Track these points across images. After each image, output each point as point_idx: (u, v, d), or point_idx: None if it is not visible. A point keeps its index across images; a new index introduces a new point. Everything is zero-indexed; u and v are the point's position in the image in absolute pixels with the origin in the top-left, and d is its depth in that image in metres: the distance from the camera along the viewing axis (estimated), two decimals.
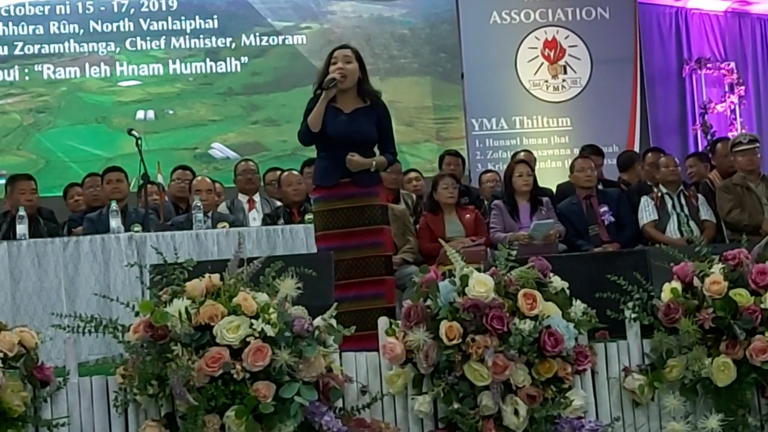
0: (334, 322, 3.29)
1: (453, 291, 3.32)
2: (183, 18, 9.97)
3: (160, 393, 3.13)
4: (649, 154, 8.11)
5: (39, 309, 5.77)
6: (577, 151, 8.79)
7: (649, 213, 7.16)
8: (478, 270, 3.39)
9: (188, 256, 3.56)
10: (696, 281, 3.51)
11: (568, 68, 10.57)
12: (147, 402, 3.20)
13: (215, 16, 10.02)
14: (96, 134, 9.74)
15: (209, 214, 6.86)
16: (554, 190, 8.01)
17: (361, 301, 4.84)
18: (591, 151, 8.18)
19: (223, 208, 7.45)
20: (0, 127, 9.64)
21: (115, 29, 9.82)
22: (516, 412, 3.25)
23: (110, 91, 9.84)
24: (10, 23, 9.67)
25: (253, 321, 3.12)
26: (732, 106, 10.89)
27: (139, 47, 9.89)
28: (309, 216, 6.50)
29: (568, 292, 3.46)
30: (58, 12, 9.74)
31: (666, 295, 3.51)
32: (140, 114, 9.82)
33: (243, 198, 7.68)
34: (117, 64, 9.84)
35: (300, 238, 6.29)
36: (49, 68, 9.72)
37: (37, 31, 9.70)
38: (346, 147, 5.00)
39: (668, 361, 3.47)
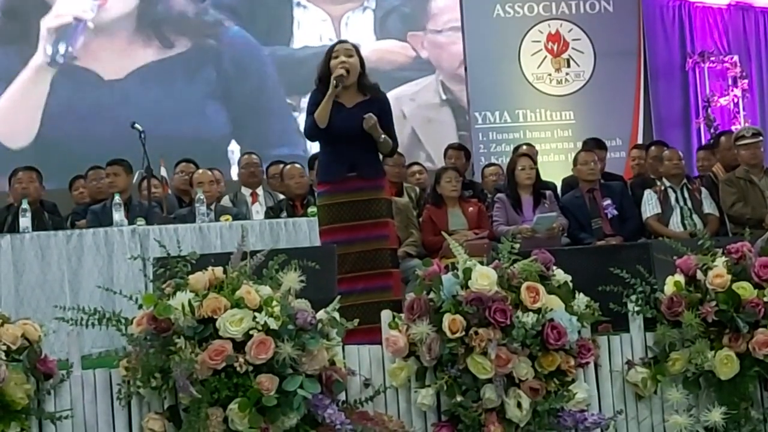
0: (336, 315, 3.29)
1: (456, 284, 3.31)
2: None
3: (164, 386, 3.12)
4: (653, 148, 8.10)
5: (42, 302, 5.78)
6: (580, 145, 8.77)
7: (652, 206, 7.16)
8: (481, 263, 3.38)
9: (191, 249, 3.55)
10: (699, 274, 3.50)
11: (571, 61, 10.56)
12: (150, 395, 3.20)
13: None
14: None
15: (212, 207, 6.87)
16: (558, 183, 8.01)
17: (369, 293, 4.86)
18: (594, 145, 8.16)
19: (226, 201, 7.45)
20: None
21: None
22: (519, 405, 3.25)
23: None
24: None
25: (256, 314, 3.11)
26: (735, 100, 10.86)
27: None
28: (312, 209, 6.51)
29: (571, 285, 3.44)
30: None
31: (669, 288, 3.50)
32: None
33: (246, 191, 7.69)
34: None
35: (303, 231, 6.29)
36: None
37: None
38: (349, 141, 5.01)
39: (671, 354, 3.46)
